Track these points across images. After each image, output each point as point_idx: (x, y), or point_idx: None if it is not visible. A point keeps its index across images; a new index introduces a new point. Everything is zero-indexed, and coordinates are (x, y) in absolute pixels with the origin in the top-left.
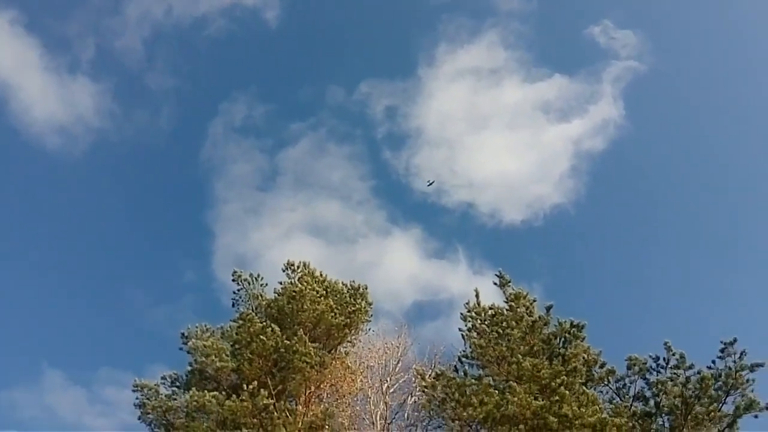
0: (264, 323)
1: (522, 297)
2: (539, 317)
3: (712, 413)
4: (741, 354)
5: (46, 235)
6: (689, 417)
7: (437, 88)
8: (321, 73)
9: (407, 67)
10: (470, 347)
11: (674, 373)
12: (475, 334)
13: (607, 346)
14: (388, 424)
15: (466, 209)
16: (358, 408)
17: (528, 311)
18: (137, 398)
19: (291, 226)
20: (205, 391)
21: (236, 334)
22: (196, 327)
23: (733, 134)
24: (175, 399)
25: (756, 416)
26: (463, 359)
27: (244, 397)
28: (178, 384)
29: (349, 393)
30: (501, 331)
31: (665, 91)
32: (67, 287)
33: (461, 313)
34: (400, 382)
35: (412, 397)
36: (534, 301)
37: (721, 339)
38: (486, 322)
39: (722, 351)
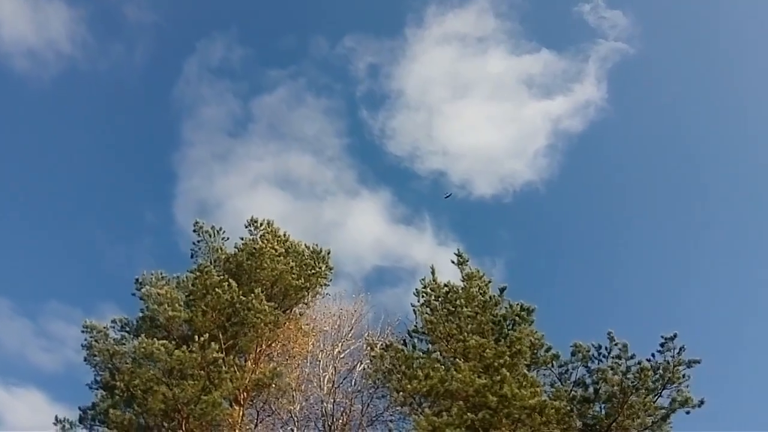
0: (221, 277)
1: (477, 277)
2: (491, 297)
3: (648, 404)
4: (680, 349)
5: (4, 159)
6: (625, 406)
7: (422, 51)
8: (306, 22)
9: (395, 26)
10: (421, 322)
11: (615, 363)
12: (427, 310)
13: (561, 328)
14: (335, 388)
15: (438, 178)
16: (306, 370)
17: (481, 291)
18: (85, 339)
19: (258, 176)
20: (155, 339)
21: (192, 285)
22: (152, 274)
23: (715, 129)
24: (124, 344)
25: (688, 412)
26: (414, 333)
27: (193, 349)
28: (127, 329)
29: (300, 354)
30: (452, 309)
31: (650, 77)
32: (21, 215)
33: (416, 289)
34: (351, 348)
35: (361, 364)
36: (489, 282)
37: (662, 334)
38: (439, 299)
39: (662, 345)
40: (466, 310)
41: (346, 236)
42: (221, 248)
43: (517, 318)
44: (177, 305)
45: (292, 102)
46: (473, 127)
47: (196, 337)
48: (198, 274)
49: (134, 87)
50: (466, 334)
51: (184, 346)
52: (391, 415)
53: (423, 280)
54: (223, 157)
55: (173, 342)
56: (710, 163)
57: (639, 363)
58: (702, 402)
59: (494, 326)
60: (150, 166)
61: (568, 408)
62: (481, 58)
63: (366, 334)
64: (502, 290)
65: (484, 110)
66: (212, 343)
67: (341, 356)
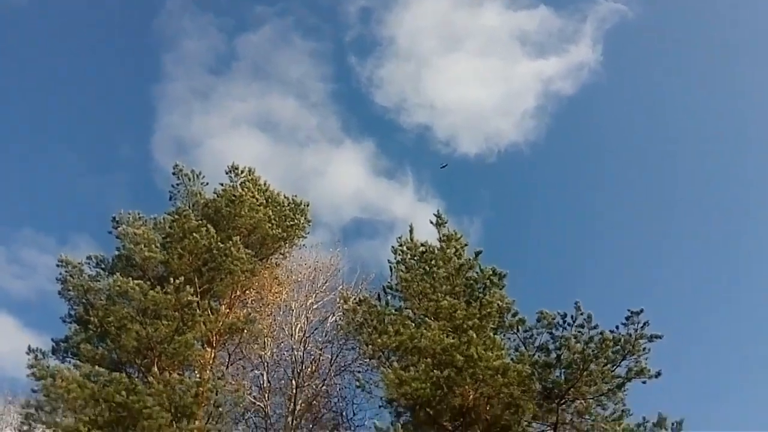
0: (199, 222)
1: (454, 239)
2: (466, 260)
3: (606, 373)
4: (644, 324)
5: None
6: (584, 373)
7: None
8: None
9: None
10: (396, 279)
11: (579, 331)
12: (403, 268)
13: (533, 292)
14: (306, 337)
15: (423, 132)
16: (279, 319)
17: (457, 253)
18: (60, 273)
19: (239, 116)
20: (130, 278)
21: (169, 227)
22: (129, 213)
23: (707, 102)
24: (98, 281)
25: (644, 382)
26: (388, 290)
27: (168, 290)
28: (103, 266)
29: (274, 303)
30: (427, 269)
31: (646, 43)
32: None
33: (393, 246)
34: (325, 300)
35: (333, 316)
36: (465, 245)
37: (629, 308)
38: (415, 258)
39: (627, 319)
40: (441, 271)
41: (327, 185)
42: (200, 193)
43: (488, 282)
44: (153, 246)
45: (278, 41)
46: (462, 82)
47: (172, 279)
48: (176, 217)
49: (115, 14)
50: (439, 294)
51: (159, 287)
52: (359, 366)
53: (400, 238)
54: (204, 94)
55: (148, 282)
56: (698, 136)
57: (601, 333)
58: (659, 373)
59: (466, 288)
60: (128, 98)
61: (530, 371)
62: (476, 10)
63: (340, 288)
64: (477, 254)
65: (475, 65)
66: (187, 286)
67: (314, 307)
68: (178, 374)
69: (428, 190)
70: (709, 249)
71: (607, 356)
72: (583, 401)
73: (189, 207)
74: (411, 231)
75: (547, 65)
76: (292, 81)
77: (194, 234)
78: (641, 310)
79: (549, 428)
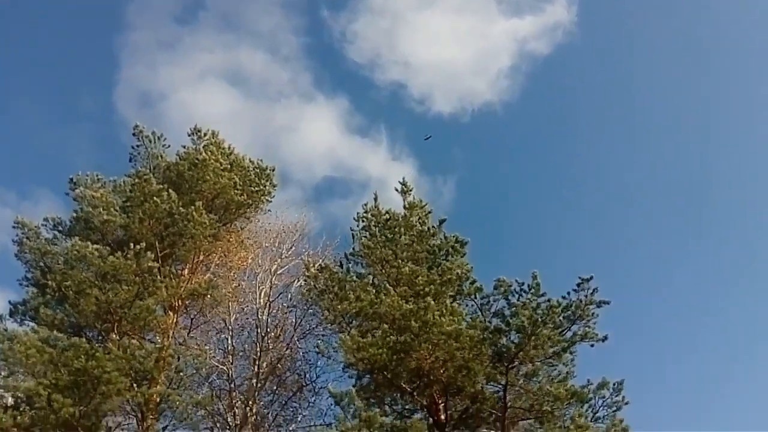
0: (161, 186)
1: (419, 206)
2: (429, 228)
3: (553, 338)
4: (593, 291)
5: None
6: (533, 338)
7: None
8: None
9: None
10: (359, 246)
11: (530, 298)
12: (366, 234)
13: (500, 253)
14: (270, 301)
15: (397, 89)
16: (244, 283)
17: (421, 221)
18: (17, 235)
19: (207, 69)
20: (88, 243)
21: (130, 191)
22: (87, 175)
23: (682, 63)
24: (56, 244)
25: (592, 345)
26: (351, 256)
27: (128, 256)
28: (60, 229)
29: (239, 268)
30: (390, 236)
31: (621, 4)
32: None
33: (357, 213)
34: (290, 265)
35: (298, 281)
36: (429, 212)
37: (580, 275)
38: (379, 225)
39: (578, 285)
40: (404, 238)
41: (298, 142)
42: (161, 155)
43: (450, 249)
44: (113, 210)
45: None
46: (437, 40)
47: (132, 244)
48: (136, 180)
49: None
50: (401, 261)
51: (119, 252)
52: (323, 330)
53: (365, 205)
54: (170, 45)
55: (108, 246)
56: (671, 97)
57: (548, 301)
58: (606, 337)
59: (429, 255)
60: (89, 48)
61: (481, 337)
62: None
63: (305, 253)
64: (441, 222)
65: (450, 22)
66: (148, 252)
67: (279, 272)
68: (139, 339)
69: (402, 149)
70: (674, 208)
71: (554, 321)
72: (531, 364)
73: (150, 170)
74: (376, 198)
75: (522, 25)
76: (262, 33)
77: (155, 198)
78: (591, 277)
79: (500, 389)
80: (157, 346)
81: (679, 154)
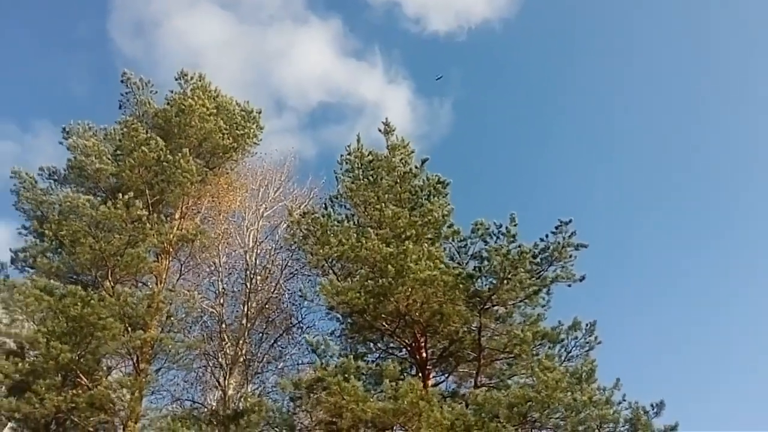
0: (148, 135)
1: (402, 147)
2: (411, 169)
3: (524, 281)
4: (571, 234)
5: None
6: (505, 281)
7: None
8: None
9: None
10: (342, 189)
11: (503, 243)
12: (349, 177)
13: (499, 176)
14: (258, 244)
15: (392, 9)
16: (232, 227)
17: (403, 162)
18: (14, 185)
19: None
20: (80, 194)
21: (119, 140)
22: (79, 124)
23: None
24: (51, 194)
25: (569, 285)
26: (334, 199)
27: (118, 206)
28: (55, 177)
29: (227, 210)
30: (372, 178)
31: None
32: None
33: (340, 155)
34: (277, 207)
35: (285, 223)
36: (412, 152)
37: (559, 218)
38: (362, 167)
39: (557, 228)
40: (386, 180)
41: (292, 67)
42: (149, 101)
43: (432, 190)
44: (105, 158)
45: None
46: None
47: (121, 194)
48: (125, 129)
49: None
50: (383, 203)
51: (110, 202)
52: (309, 272)
53: (348, 146)
54: None
55: (101, 194)
56: (678, 20)
57: (520, 246)
58: (583, 277)
59: (411, 196)
60: None
61: (455, 282)
62: None
63: (292, 194)
64: (423, 162)
65: None
66: (137, 201)
67: (266, 214)
68: (132, 285)
69: (398, 71)
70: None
71: (525, 266)
72: (505, 307)
73: (139, 116)
74: (358, 140)
75: None
76: None
77: (143, 147)
78: (570, 220)
79: (474, 332)
80: (147, 292)
81: (678, 74)
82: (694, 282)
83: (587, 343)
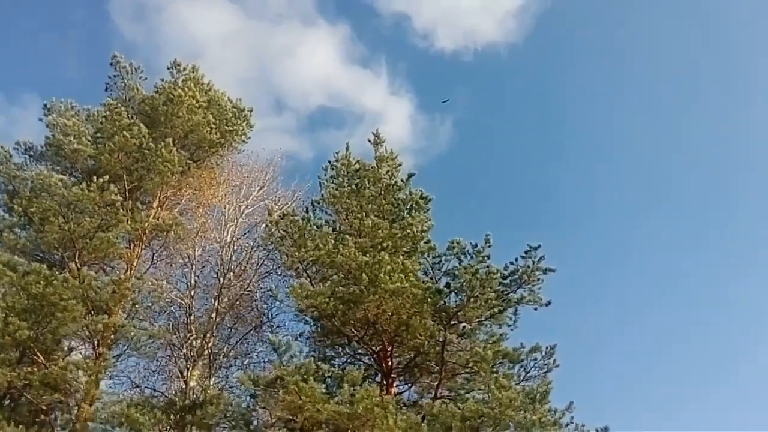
0: (132, 120)
1: (390, 159)
2: (397, 182)
3: (490, 301)
4: (540, 258)
5: None
6: (471, 299)
7: None
8: None
9: None
10: (326, 194)
11: (472, 263)
12: (333, 183)
13: (497, 195)
14: (236, 240)
15: (401, 21)
16: (210, 222)
17: (389, 174)
18: None
19: None
20: (53, 173)
21: (101, 122)
22: (61, 102)
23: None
24: (25, 170)
25: (536, 309)
26: (316, 204)
27: (92, 188)
28: (31, 153)
29: (208, 204)
30: (357, 186)
31: None
32: None
33: (328, 161)
34: (259, 205)
35: (264, 223)
36: (399, 165)
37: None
38: (348, 176)
39: (526, 253)
40: (371, 190)
41: (295, 67)
42: (137, 87)
43: (414, 204)
44: (84, 139)
45: None
46: None
47: (95, 177)
48: (108, 113)
49: None
50: (365, 213)
51: (84, 184)
52: (282, 273)
53: (336, 153)
54: None
55: (77, 175)
56: (684, 42)
57: (488, 267)
58: (549, 302)
59: (393, 208)
60: None
61: (422, 296)
62: None
63: (275, 195)
64: (409, 176)
65: None
66: (111, 185)
67: (247, 212)
68: (100, 270)
69: (402, 84)
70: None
71: (492, 286)
72: (469, 325)
73: (126, 101)
74: (347, 148)
75: None
76: None
77: (125, 132)
78: (539, 246)
79: (439, 345)
80: (113, 278)
81: (687, 102)
82: (694, 282)
83: (545, 365)
